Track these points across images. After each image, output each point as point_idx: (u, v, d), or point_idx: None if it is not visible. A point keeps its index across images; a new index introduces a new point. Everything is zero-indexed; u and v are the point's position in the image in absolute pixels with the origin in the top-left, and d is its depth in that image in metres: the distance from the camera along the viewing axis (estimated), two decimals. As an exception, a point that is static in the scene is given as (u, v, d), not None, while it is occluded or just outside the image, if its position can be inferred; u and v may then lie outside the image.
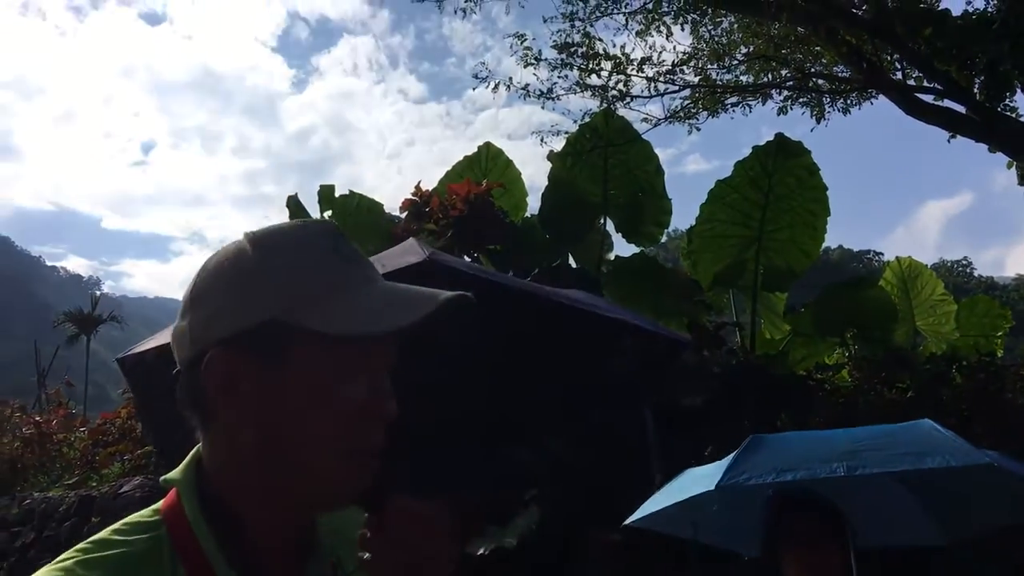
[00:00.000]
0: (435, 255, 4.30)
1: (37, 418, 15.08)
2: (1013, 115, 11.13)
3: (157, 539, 1.03)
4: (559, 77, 12.12)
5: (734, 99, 12.71)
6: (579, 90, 12.19)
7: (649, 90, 12.10)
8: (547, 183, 12.77)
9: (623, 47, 12.27)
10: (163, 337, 4.41)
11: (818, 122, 13.02)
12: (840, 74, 12.86)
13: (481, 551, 6.08)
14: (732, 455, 3.85)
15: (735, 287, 12.34)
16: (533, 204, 13.51)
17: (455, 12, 12.63)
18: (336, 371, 1.02)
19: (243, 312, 1.01)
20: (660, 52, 12.26)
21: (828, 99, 13.06)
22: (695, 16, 12.74)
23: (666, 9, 12.51)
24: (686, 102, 12.42)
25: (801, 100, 12.95)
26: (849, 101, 13.06)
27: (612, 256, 13.27)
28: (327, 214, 12.95)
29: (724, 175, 11.69)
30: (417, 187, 11.79)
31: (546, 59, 12.06)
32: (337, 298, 1.03)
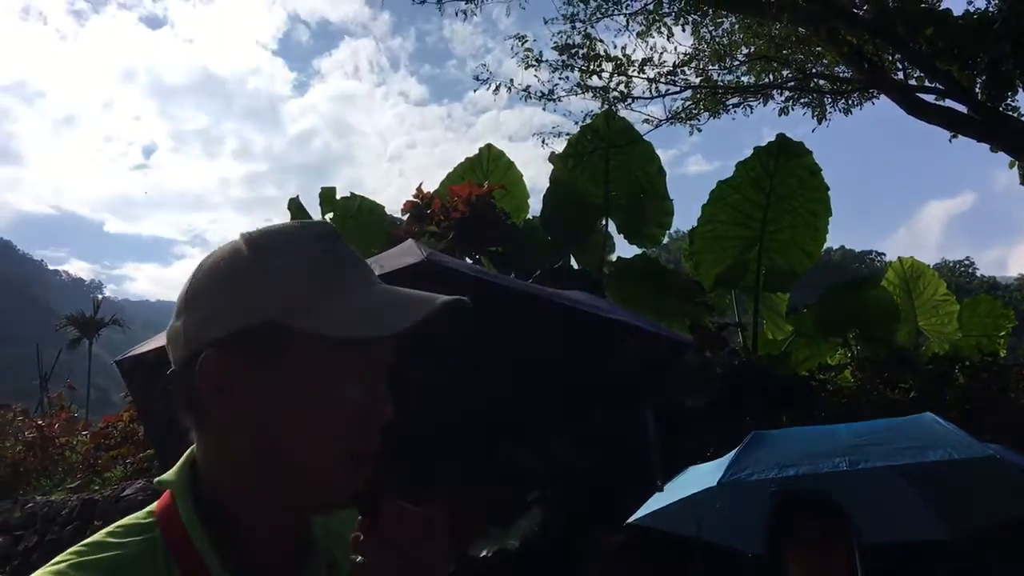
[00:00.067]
0: (433, 256, 4.28)
1: (39, 422, 15.09)
2: (1014, 115, 11.12)
3: (151, 541, 1.02)
4: (560, 78, 12.14)
5: (735, 100, 12.72)
6: (580, 91, 12.20)
7: (650, 91, 12.11)
8: (548, 185, 12.76)
9: (624, 48, 12.29)
10: (162, 339, 4.38)
11: (819, 122, 13.03)
12: (841, 74, 12.85)
13: (484, 553, 6.08)
14: (734, 451, 3.84)
15: (737, 288, 12.33)
16: (535, 206, 13.52)
17: (456, 14, 12.63)
18: (331, 373, 1.01)
19: (238, 313, 1.01)
20: (661, 53, 12.28)
21: (829, 99, 13.06)
22: (696, 17, 12.73)
23: (667, 10, 12.50)
24: (687, 103, 12.43)
25: (802, 100, 12.96)
26: (850, 101, 13.05)
27: (614, 257, 13.25)
28: (328, 216, 12.95)
29: (725, 176, 11.70)
30: (418, 189, 11.78)
31: (547, 61, 12.07)
32: (333, 300, 1.02)
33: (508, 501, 6.33)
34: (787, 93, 12.82)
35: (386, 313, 1.04)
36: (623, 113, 12.35)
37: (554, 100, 12.05)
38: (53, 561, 0.97)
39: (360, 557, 1.02)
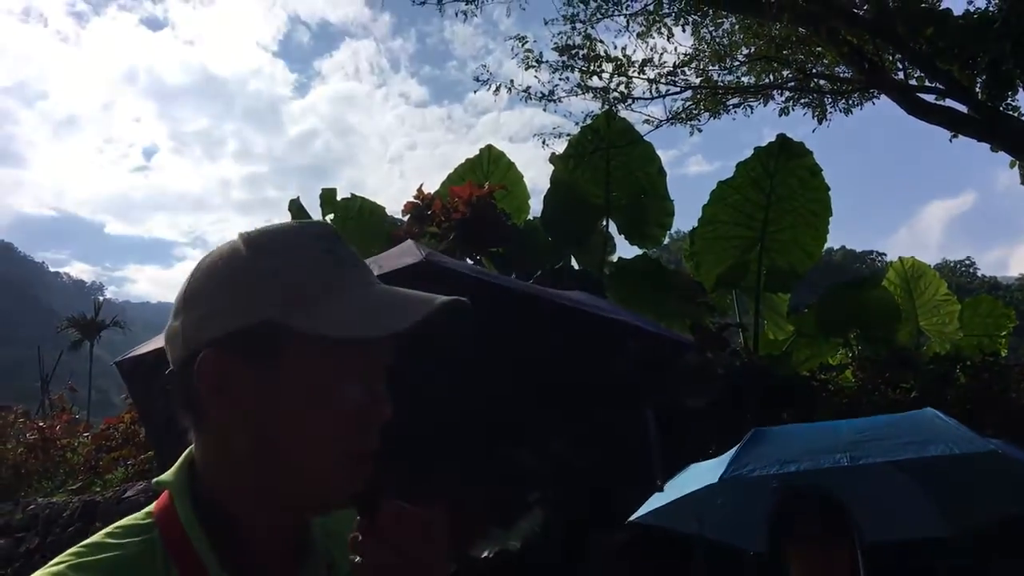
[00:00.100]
0: (432, 256, 4.28)
1: (41, 423, 15.07)
2: (1015, 114, 11.11)
3: (150, 541, 1.02)
4: (560, 79, 12.13)
5: (735, 100, 12.72)
6: (581, 92, 12.19)
7: (651, 92, 12.11)
8: (549, 185, 12.78)
9: (624, 49, 12.28)
10: (162, 340, 4.39)
11: (820, 123, 13.02)
12: (842, 74, 12.84)
13: (485, 554, 6.07)
14: (735, 448, 3.83)
15: (738, 288, 12.34)
16: (535, 206, 13.53)
17: (456, 15, 12.62)
18: (330, 373, 1.01)
19: (236, 313, 1.01)
20: (661, 54, 12.28)
21: (830, 99, 13.04)
22: (696, 17, 12.73)
23: (667, 11, 12.50)
24: (688, 103, 12.42)
25: (803, 101, 12.94)
26: (851, 101, 13.04)
27: (615, 258, 13.26)
28: (329, 217, 12.96)
29: (726, 176, 11.71)
30: (419, 190, 11.79)
31: (547, 61, 12.07)
32: (331, 300, 1.02)
33: (509, 502, 6.33)
34: (787, 93, 12.81)
35: (385, 313, 1.03)
36: (623, 114, 12.37)
37: (554, 101, 12.05)
38: (52, 562, 0.97)
39: (359, 557, 1.02)
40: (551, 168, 12.73)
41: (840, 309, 11.10)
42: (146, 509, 1.08)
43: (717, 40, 13.16)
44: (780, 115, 12.67)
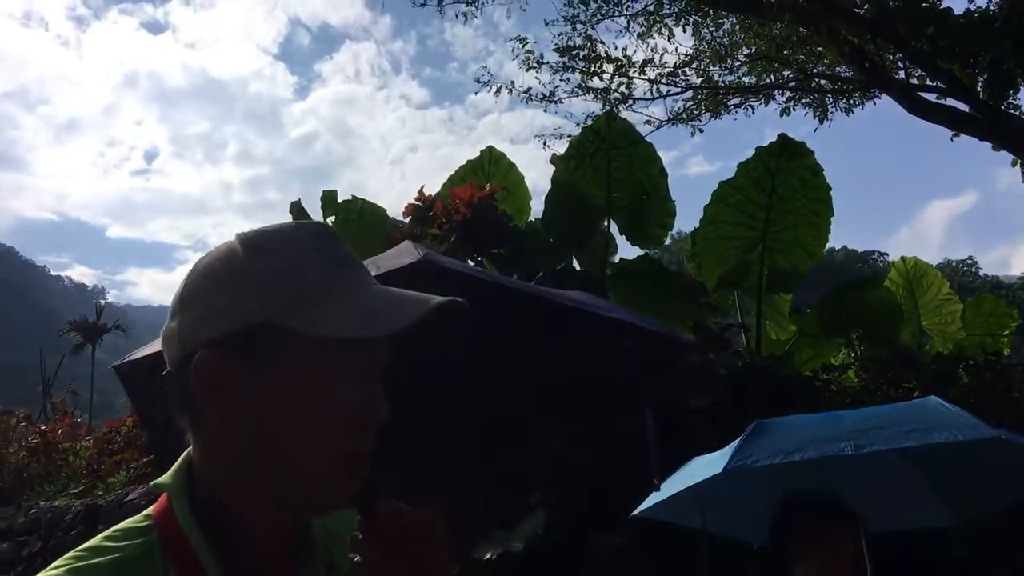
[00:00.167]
0: (430, 256, 4.30)
1: (42, 427, 15.06)
2: (1016, 113, 11.10)
3: (148, 543, 1.02)
4: (561, 80, 12.12)
5: (736, 100, 12.72)
6: (581, 93, 12.19)
7: (651, 92, 12.11)
8: (550, 186, 12.78)
9: (625, 49, 12.28)
10: (159, 344, 4.40)
11: (821, 122, 13.03)
12: (842, 74, 12.84)
13: (488, 556, 6.06)
14: (738, 440, 3.82)
15: (740, 288, 12.33)
16: (537, 208, 13.54)
17: (456, 16, 12.62)
18: (327, 373, 1.01)
19: (233, 313, 1.00)
20: (662, 54, 12.27)
21: (831, 99, 13.05)
22: (696, 18, 12.73)
23: (667, 11, 12.50)
24: (689, 104, 12.42)
25: (804, 101, 12.95)
26: (852, 101, 13.05)
27: (616, 259, 13.27)
28: (330, 219, 12.97)
29: (727, 177, 11.70)
30: (420, 192, 11.80)
31: (548, 62, 12.06)
32: (328, 301, 1.02)
33: (509, 502, 6.33)
34: (788, 93, 12.82)
35: (382, 313, 1.03)
36: (624, 114, 12.38)
37: (555, 102, 12.04)
38: (51, 566, 0.97)
39: (358, 557, 1.02)
40: (552, 169, 12.74)
41: (842, 309, 11.10)
42: (145, 512, 1.08)
43: (718, 40, 13.17)
44: (781, 115, 12.68)
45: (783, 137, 11.18)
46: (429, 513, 1.04)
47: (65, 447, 14.07)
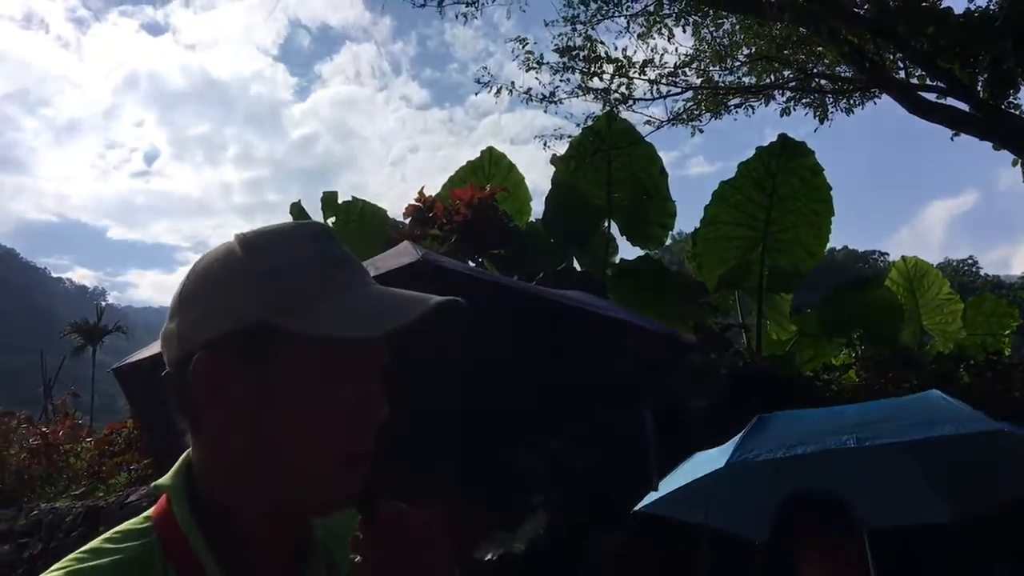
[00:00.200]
0: (428, 256, 4.30)
1: (43, 429, 15.07)
2: (1017, 112, 11.09)
3: (148, 545, 1.02)
4: (561, 81, 12.11)
5: (737, 100, 12.71)
6: (581, 93, 12.18)
7: (651, 92, 12.11)
8: (551, 187, 12.78)
9: (625, 50, 12.28)
10: (158, 346, 4.41)
11: (821, 122, 13.01)
12: (843, 74, 12.84)
13: (489, 557, 6.06)
14: (740, 434, 3.81)
15: (740, 289, 12.32)
16: (537, 208, 13.53)
17: (456, 17, 12.62)
18: (324, 374, 1.01)
19: (231, 314, 1.00)
20: (662, 54, 12.27)
21: (831, 99, 13.04)
22: (696, 18, 12.72)
23: (667, 11, 12.50)
24: (689, 104, 12.41)
25: (804, 101, 12.94)
26: (852, 101, 13.04)
27: (617, 259, 13.26)
28: (331, 220, 12.96)
29: (728, 177, 11.69)
30: (421, 193, 11.79)
31: (548, 63, 12.05)
32: (326, 300, 1.02)
33: (510, 503, 6.33)
34: (788, 93, 12.81)
35: (380, 313, 1.03)
36: (624, 115, 12.37)
37: (555, 102, 12.03)
38: (52, 568, 0.97)
39: (359, 557, 1.02)
40: (552, 170, 12.73)
41: (843, 309, 11.09)
42: (145, 513, 1.08)
43: (718, 40, 13.16)
44: (781, 115, 12.67)
45: (783, 137, 11.17)
46: (429, 513, 1.04)
47: (66, 449, 14.08)
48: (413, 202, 11.67)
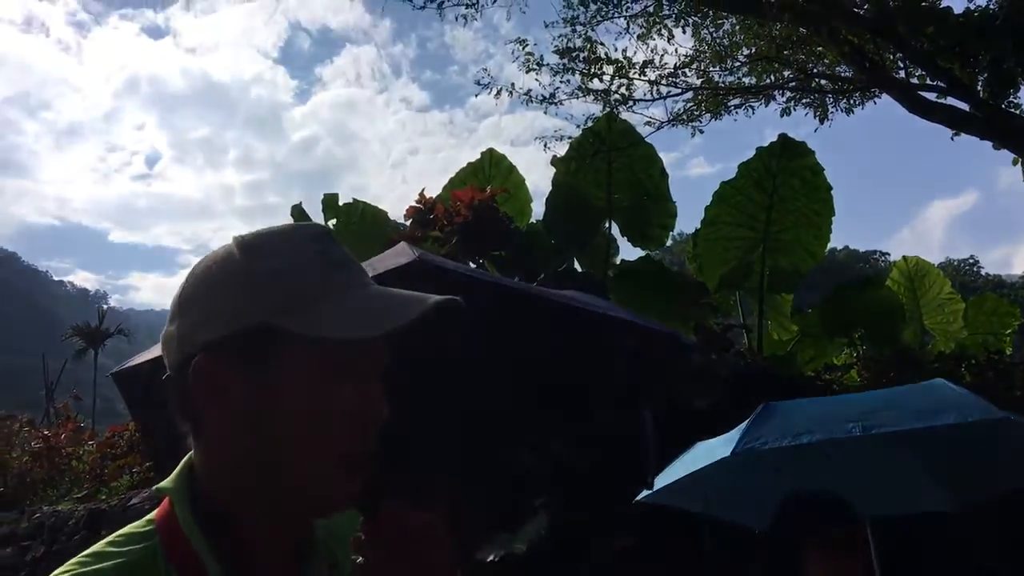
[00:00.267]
0: (424, 256, 4.30)
1: (45, 432, 15.06)
2: (1017, 111, 11.09)
3: (151, 548, 1.02)
4: (561, 82, 12.12)
5: (737, 101, 12.71)
6: (581, 95, 12.20)
7: (652, 93, 12.12)
8: (551, 188, 12.78)
9: (625, 51, 12.29)
10: (156, 350, 4.42)
11: (821, 123, 13.01)
12: (843, 74, 12.83)
13: (491, 558, 6.06)
14: (745, 423, 3.80)
15: (741, 289, 12.32)
16: (537, 209, 13.53)
17: (456, 19, 12.62)
18: (325, 375, 1.01)
19: (230, 316, 1.01)
20: (662, 55, 12.28)
21: (831, 99, 13.04)
22: (696, 19, 12.73)
23: (667, 12, 12.50)
24: (689, 104, 12.42)
25: (804, 101, 12.94)
26: (852, 101, 13.04)
27: (618, 260, 13.25)
28: (332, 223, 12.97)
29: (728, 178, 11.69)
30: (421, 194, 11.78)
31: (548, 64, 12.06)
32: (326, 302, 1.02)
33: (511, 504, 6.32)
34: (788, 93, 12.81)
35: (379, 314, 1.03)
36: (625, 116, 12.37)
37: (555, 104, 12.05)
38: (55, 572, 0.97)
39: (360, 558, 1.02)
40: (553, 171, 12.73)
41: (844, 309, 11.09)
42: (147, 516, 1.08)
43: (718, 41, 13.16)
44: (782, 115, 12.67)
45: (783, 137, 11.17)
46: (431, 514, 1.04)
47: (68, 452, 14.07)
48: (414, 204, 11.67)
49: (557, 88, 12.07)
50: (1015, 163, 11.67)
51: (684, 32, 13.00)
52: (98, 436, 15.17)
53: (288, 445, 1.01)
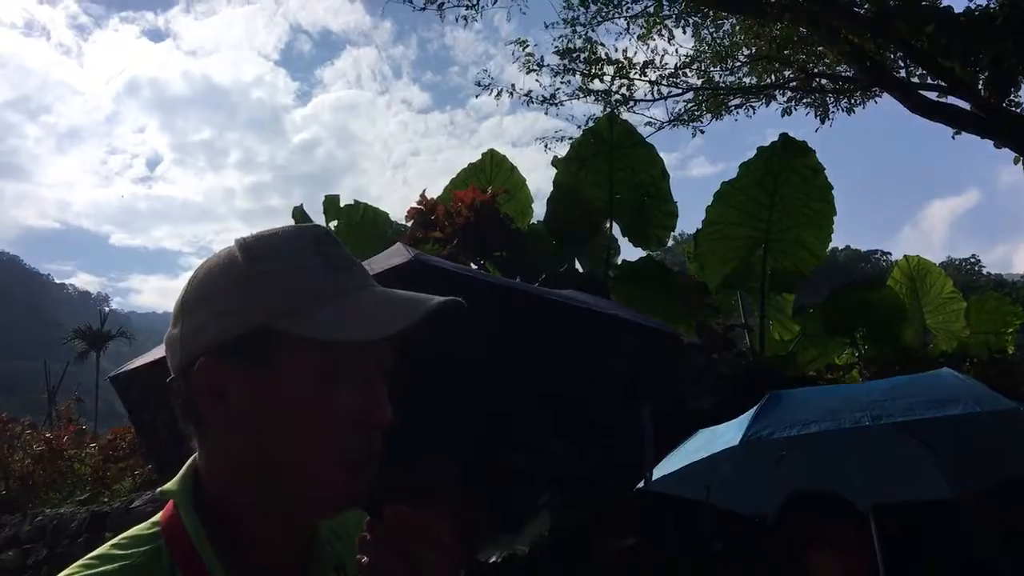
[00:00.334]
0: (420, 255, 4.30)
1: (47, 435, 15.06)
2: (1017, 110, 11.09)
3: (156, 550, 1.02)
4: (562, 83, 12.14)
5: (737, 101, 12.72)
6: (582, 95, 12.22)
7: (652, 94, 12.15)
8: (552, 189, 12.76)
9: (625, 51, 12.29)
10: (155, 353, 4.42)
11: (822, 122, 13.01)
12: (843, 73, 12.83)
13: (493, 559, 6.05)
14: (751, 412, 3.78)
15: (743, 289, 12.30)
16: (538, 210, 13.52)
17: (456, 20, 12.63)
18: (327, 377, 1.01)
19: (232, 319, 1.01)
20: (662, 55, 12.29)
21: (832, 99, 13.03)
22: (696, 19, 12.73)
23: (667, 12, 12.50)
24: (690, 105, 12.42)
25: (805, 101, 12.93)
26: (853, 100, 13.03)
27: (619, 260, 13.23)
28: (333, 224, 12.97)
29: (729, 178, 11.68)
30: (422, 196, 11.78)
31: (548, 65, 12.08)
32: (327, 304, 1.02)
33: (513, 505, 6.32)
34: (789, 93, 12.81)
35: (380, 316, 1.03)
36: (625, 116, 12.38)
37: (556, 104, 12.07)
38: (61, 575, 0.97)
39: (365, 558, 1.02)
40: (554, 172, 12.72)
41: (846, 309, 11.06)
42: (152, 519, 1.08)
43: (718, 41, 13.16)
44: (782, 115, 12.68)
45: (785, 137, 11.14)
46: (435, 514, 1.04)
47: (70, 454, 14.08)
48: (415, 205, 11.67)
49: (558, 89, 12.11)
50: (1016, 162, 11.65)
51: (684, 32, 13.04)
52: (100, 439, 15.18)
53: (291, 447, 1.01)
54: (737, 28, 13.10)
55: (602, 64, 12.01)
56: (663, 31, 12.62)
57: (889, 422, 3.35)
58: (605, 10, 12.26)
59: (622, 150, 12.11)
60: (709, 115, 12.46)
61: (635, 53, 12.53)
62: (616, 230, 12.87)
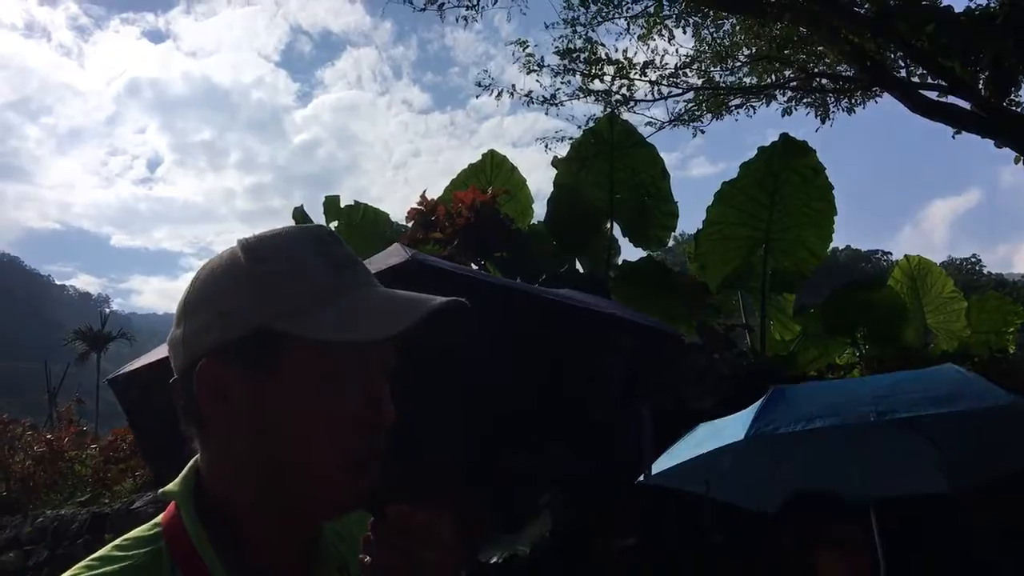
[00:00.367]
0: (417, 255, 4.31)
1: (48, 436, 15.07)
2: (1018, 110, 11.08)
3: (157, 552, 1.02)
4: (562, 83, 12.13)
5: (738, 101, 12.70)
6: (582, 95, 12.20)
7: (653, 94, 12.13)
8: (552, 189, 12.76)
9: (625, 51, 12.29)
10: (154, 355, 4.42)
11: (823, 122, 12.99)
12: (844, 73, 12.82)
13: (494, 559, 6.05)
14: (755, 407, 3.77)
15: (744, 289, 12.30)
16: (539, 210, 13.53)
17: (456, 20, 12.62)
18: (329, 378, 1.01)
19: (234, 320, 1.01)
20: (663, 55, 12.28)
21: (832, 99, 13.02)
22: (697, 19, 12.72)
23: (667, 12, 12.49)
24: (690, 105, 12.41)
25: (805, 101, 12.92)
26: (853, 100, 13.02)
27: (619, 260, 13.23)
28: (333, 225, 12.96)
29: (730, 178, 11.67)
30: (423, 196, 11.78)
31: (548, 65, 12.07)
32: (329, 304, 1.02)
33: (514, 505, 6.31)
34: (790, 93, 12.80)
35: (382, 316, 1.03)
36: (626, 116, 12.36)
37: (556, 105, 12.06)
38: None
39: (368, 558, 1.02)
40: (554, 172, 12.72)
41: (847, 308, 11.05)
42: (153, 520, 1.08)
43: (718, 41, 13.15)
44: (783, 115, 12.66)
45: (785, 136, 11.14)
46: (438, 514, 1.04)
47: (71, 456, 14.09)
48: (415, 205, 11.67)
49: (558, 89, 12.09)
50: (1017, 161, 11.65)
51: (684, 32, 13.01)
52: (100, 440, 15.18)
53: (293, 448, 1.00)
54: (737, 28, 13.09)
55: (602, 64, 12.01)
56: (663, 31, 12.61)
57: (893, 418, 3.35)
58: (605, 10, 12.26)
59: (622, 150, 12.11)
60: (709, 115, 12.45)
61: (635, 53, 12.53)
62: (617, 230, 12.88)
